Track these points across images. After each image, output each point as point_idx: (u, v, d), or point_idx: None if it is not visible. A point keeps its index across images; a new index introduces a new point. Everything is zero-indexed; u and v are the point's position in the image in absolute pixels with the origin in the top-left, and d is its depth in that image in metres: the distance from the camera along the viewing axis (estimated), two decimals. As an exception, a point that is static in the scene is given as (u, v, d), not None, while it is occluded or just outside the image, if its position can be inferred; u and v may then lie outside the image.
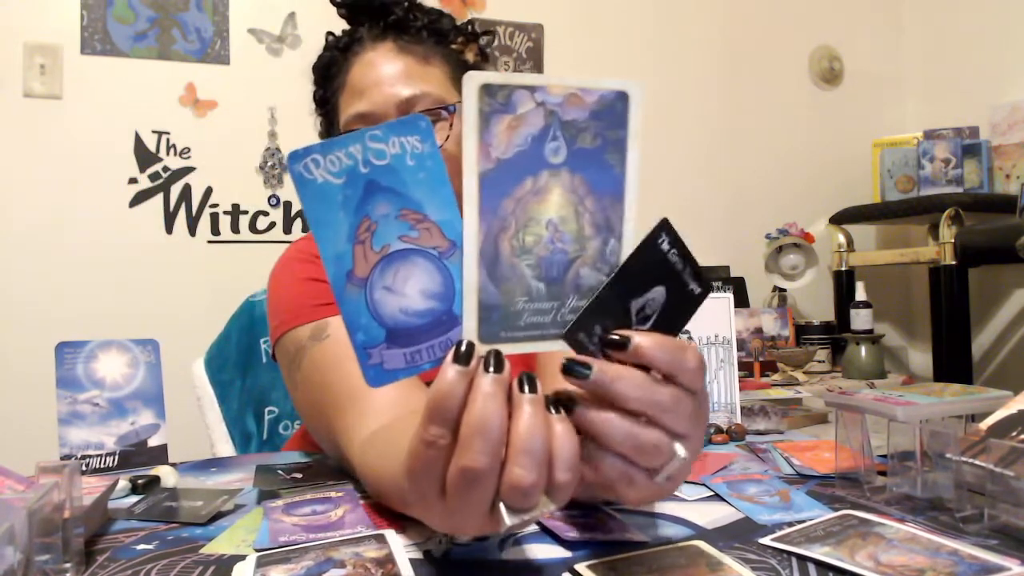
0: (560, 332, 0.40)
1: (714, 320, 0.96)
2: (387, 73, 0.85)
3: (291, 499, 0.65)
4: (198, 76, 2.10)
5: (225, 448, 1.21)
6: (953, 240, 2.09)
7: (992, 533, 0.53)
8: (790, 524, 0.56)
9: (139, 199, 2.06)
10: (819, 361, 2.17)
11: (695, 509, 0.61)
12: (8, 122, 1.94)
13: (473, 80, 0.37)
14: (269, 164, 2.15)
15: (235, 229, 2.13)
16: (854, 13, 2.80)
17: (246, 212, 2.14)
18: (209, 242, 2.11)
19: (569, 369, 0.39)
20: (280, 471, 0.79)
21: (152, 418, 0.85)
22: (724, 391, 0.93)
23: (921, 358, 2.74)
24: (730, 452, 0.82)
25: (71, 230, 1.98)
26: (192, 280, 2.07)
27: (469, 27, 0.95)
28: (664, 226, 0.40)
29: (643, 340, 0.39)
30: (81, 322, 1.94)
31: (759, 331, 1.97)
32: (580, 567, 0.47)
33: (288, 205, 2.18)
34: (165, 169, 2.07)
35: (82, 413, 0.82)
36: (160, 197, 2.07)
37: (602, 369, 0.39)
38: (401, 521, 0.57)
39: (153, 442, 0.85)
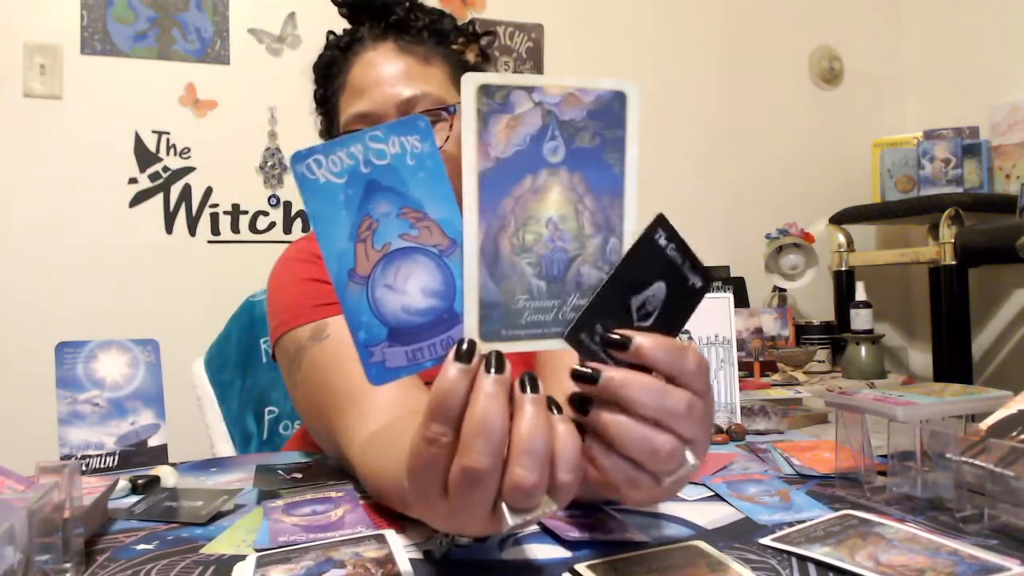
0: (561, 330, 0.40)
1: (714, 320, 0.96)
2: (388, 73, 0.85)
3: (291, 499, 0.65)
4: (198, 76, 2.10)
5: (225, 448, 1.21)
6: (953, 240, 2.09)
7: (992, 533, 0.53)
8: (790, 524, 0.56)
9: (139, 199, 2.06)
10: (819, 361, 2.17)
11: (695, 509, 0.61)
12: (8, 122, 1.94)
13: (471, 81, 0.37)
14: (269, 164, 2.15)
15: (235, 229, 2.13)
16: (854, 13, 2.80)
17: (246, 212, 2.14)
18: (209, 242, 2.11)
19: (578, 374, 0.40)
20: (280, 471, 0.79)
21: (152, 418, 0.85)
22: (724, 391, 0.93)
23: (921, 358, 2.74)
24: (730, 452, 0.82)
25: (71, 230, 1.98)
26: (192, 280, 2.07)
27: (470, 27, 0.95)
28: (660, 222, 0.40)
29: (644, 341, 0.39)
30: (81, 322, 1.94)
31: (759, 331, 1.97)
32: (580, 567, 0.47)
33: (288, 205, 2.18)
34: (165, 169, 2.07)
35: (82, 413, 0.82)
36: (160, 197, 2.07)
37: (610, 375, 0.39)
38: (401, 521, 0.57)
39: (153, 442, 0.85)
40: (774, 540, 0.52)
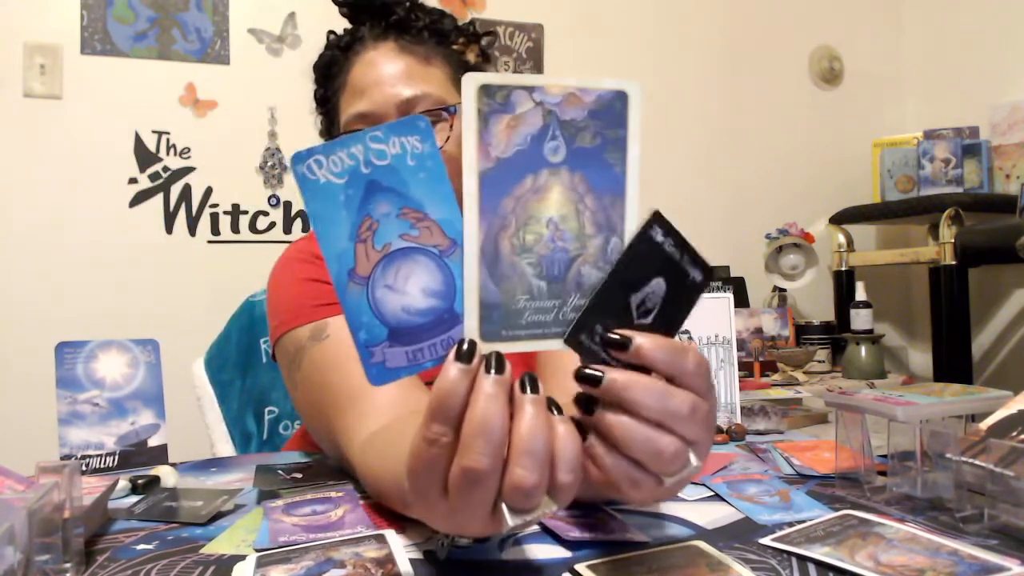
0: (562, 330, 0.40)
1: (714, 320, 0.96)
2: (388, 73, 0.84)
3: (291, 499, 0.65)
4: (198, 76, 2.10)
5: (225, 448, 1.21)
6: (953, 240, 2.09)
7: (992, 533, 0.53)
8: (790, 524, 0.56)
9: (139, 199, 2.06)
10: (819, 361, 2.17)
11: (695, 509, 0.61)
12: (8, 122, 1.94)
13: (472, 80, 0.37)
14: (269, 164, 2.15)
15: (235, 229, 2.13)
16: (854, 13, 2.80)
17: (246, 212, 2.14)
18: (209, 242, 2.11)
19: (582, 376, 0.40)
20: (280, 471, 0.79)
21: (152, 418, 0.85)
22: (724, 391, 0.93)
23: (921, 358, 2.74)
24: (730, 452, 0.82)
25: (71, 230, 1.98)
26: (192, 280, 2.07)
27: (471, 28, 0.95)
28: (656, 218, 0.40)
29: (643, 341, 0.39)
30: (81, 322, 1.94)
31: (759, 331, 1.97)
32: (580, 567, 0.47)
33: (288, 205, 2.18)
34: (165, 169, 2.07)
35: (82, 413, 0.82)
36: (160, 197, 2.07)
37: (613, 377, 0.39)
38: (401, 521, 0.57)
39: (153, 442, 0.85)
40: (774, 540, 0.52)
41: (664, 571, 0.47)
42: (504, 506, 0.37)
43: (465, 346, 0.38)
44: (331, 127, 0.93)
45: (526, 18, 2.40)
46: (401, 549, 0.50)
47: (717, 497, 0.64)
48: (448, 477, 0.38)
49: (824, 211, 2.57)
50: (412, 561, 0.49)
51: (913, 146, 2.37)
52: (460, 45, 0.93)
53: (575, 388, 0.41)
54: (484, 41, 0.96)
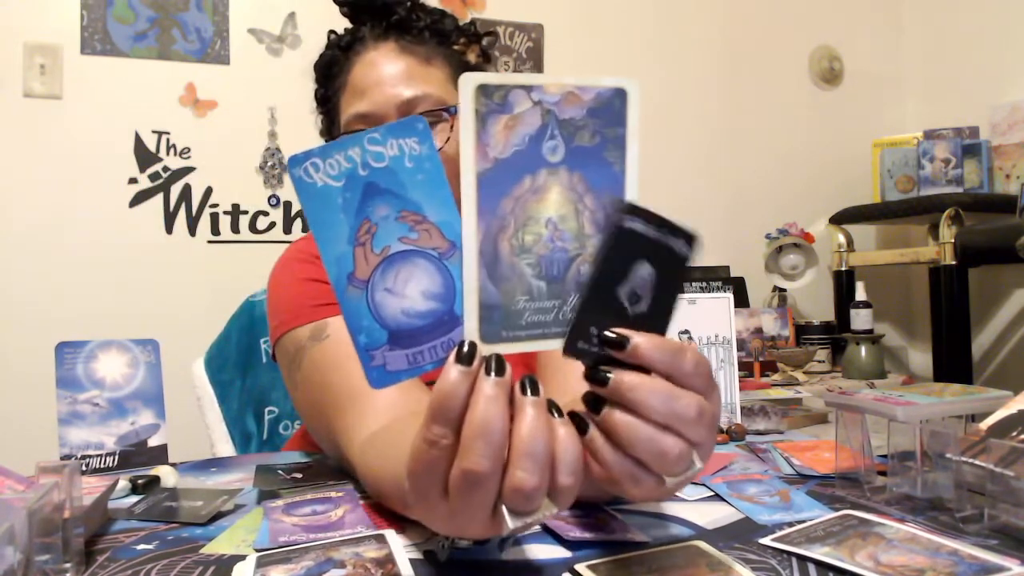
0: (562, 330, 0.40)
1: (714, 320, 0.96)
2: (388, 73, 0.84)
3: (291, 499, 0.65)
4: (198, 76, 2.10)
5: (225, 448, 1.21)
6: (953, 240, 2.09)
7: (992, 533, 0.53)
8: (790, 524, 0.56)
9: (139, 199, 2.06)
10: (819, 361, 2.17)
11: (695, 509, 0.61)
12: (8, 122, 1.94)
13: (469, 81, 0.37)
14: (269, 164, 2.15)
15: (235, 229, 2.13)
16: (854, 13, 2.79)
17: (246, 212, 2.14)
18: (209, 242, 2.11)
19: (591, 376, 0.40)
20: (280, 471, 0.79)
21: (152, 418, 0.85)
22: (724, 391, 0.93)
23: (921, 358, 2.74)
24: (730, 452, 0.82)
25: (71, 230, 1.98)
26: (192, 280, 2.07)
27: (471, 28, 0.95)
28: (624, 209, 0.39)
29: (641, 340, 0.39)
30: (81, 322, 1.94)
31: (759, 331, 1.97)
32: (580, 567, 0.47)
33: (288, 205, 2.18)
34: (165, 169, 2.07)
35: (82, 413, 0.82)
36: (160, 197, 2.07)
37: (619, 378, 0.39)
38: (401, 521, 0.57)
39: (153, 442, 0.85)
40: (774, 540, 0.52)
41: (664, 571, 0.47)
42: (504, 508, 0.37)
43: (465, 348, 0.38)
44: (331, 127, 0.93)
45: (526, 18, 2.40)
46: (401, 549, 0.50)
47: (717, 497, 0.64)
48: (448, 479, 0.38)
49: (824, 211, 2.57)
50: (412, 561, 0.49)
51: (913, 146, 2.37)
52: (461, 45, 0.92)
53: (576, 387, 0.41)
54: (485, 41, 0.96)
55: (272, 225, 2.17)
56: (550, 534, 0.54)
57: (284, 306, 0.84)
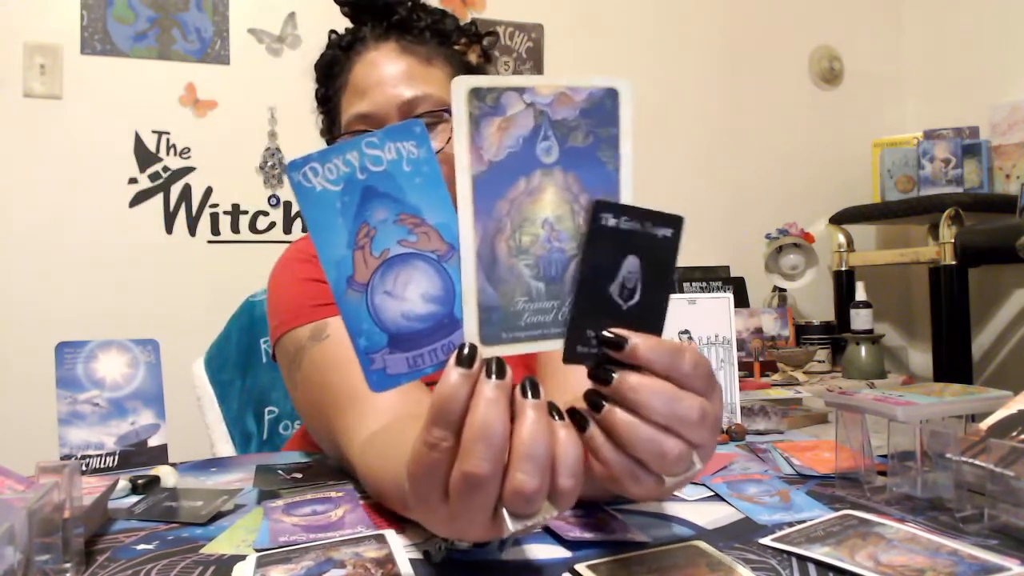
0: (562, 331, 0.40)
1: (714, 320, 0.96)
2: (389, 74, 0.84)
3: (291, 499, 0.65)
4: (198, 76, 2.10)
5: (225, 448, 1.21)
6: (953, 240, 2.09)
7: (992, 533, 0.53)
8: (790, 524, 0.56)
9: (139, 199, 2.06)
10: (819, 361, 2.17)
11: (695, 509, 0.61)
12: (8, 122, 1.94)
13: (461, 84, 0.38)
14: (269, 164, 2.15)
15: (235, 229, 2.13)
16: (854, 13, 2.80)
17: (246, 212, 2.14)
18: (209, 242, 2.11)
19: (595, 374, 0.40)
20: (280, 471, 0.79)
21: (152, 418, 0.85)
22: (724, 391, 0.93)
23: (921, 358, 2.74)
24: (730, 452, 0.82)
25: (71, 230, 1.98)
26: (192, 280, 2.07)
27: (472, 28, 0.95)
28: (599, 206, 0.39)
29: (639, 342, 0.39)
30: (81, 322, 1.94)
31: (759, 331, 1.97)
32: (580, 567, 0.47)
33: (288, 205, 2.18)
34: (165, 169, 2.07)
35: (82, 413, 0.82)
36: (160, 197, 2.07)
37: (622, 378, 0.39)
38: (401, 521, 0.57)
39: (153, 442, 0.85)
40: (774, 540, 0.52)
41: (664, 571, 0.47)
42: (505, 511, 0.37)
43: (466, 351, 0.38)
44: (332, 127, 0.93)
45: (526, 18, 2.40)
46: (401, 549, 0.50)
47: (717, 497, 0.64)
48: (449, 482, 0.38)
49: (824, 211, 2.57)
50: (412, 561, 0.49)
51: (913, 146, 2.37)
52: (462, 46, 0.92)
53: (576, 387, 0.41)
54: (486, 41, 0.96)
55: (272, 225, 2.17)
56: (550, 534, 0.54)
57: (284, 306, 0.84)
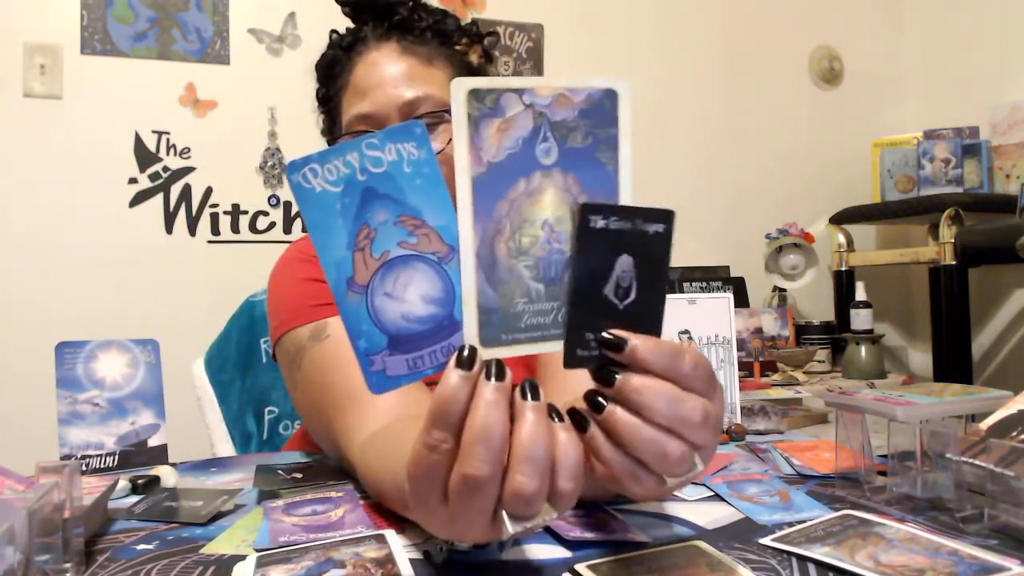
0: (562, 331, 0.40)
1: (714, 320, 0.96)
2: (390, 74, 0.84)
3: (291, 499, 0.65)
4: (198, 76, 2.10)
5: (225, 448, 1.21)
6: (953, 240, 2.09)
7: (992, 533, 0.53)
8: (790, 524, 0.56)
9: (139, 199, 2.06)
10: (819, 361, 2.17)
11: (695, 509, 0.61)
12: (8, 122, 1.94)
13: (461, 85, 0.38)
14: (269, 164, 2.15)
15: (235, 229, 2.13)
16: (854, 13, 2.80)
17: (246, 212, 2.14)
18: (209, 242, 2.11)
19: (598, 375, 0.40)
20: (280, 471, 0.79)
21: (152, 418, 0.85)
22: (724, 391, 0.93)
23: (921, 358, 2.74)
24: (730, 452, 0.82)
25: (71, 230, 1.98)
26: (192, 280, 2.07)
27: (473, 28, 0.94)
28: (585, 208, 0.39)
29: (639, 343, 0.39)
30: (81, 322, 1.94)
31: (759, 331, 1.97)
32: (580, 567, 0.47)
33: (288, 205, 2.18)
34: (165, 169, 2.07)
35: (82, 413, 0.82)
36: (160, 197, 2.07)
37: (625, 379, 0.39)
38: (401, 521, 0.57)
39: (153, 442, 0.85)
40: (774, 540, 0.52)
41: (664, 571, 0.47)
42: (504, 513, 0.37)
43: (466, 352, 0.38)
44: (333, 127, 0.93)
45: (526, 18, 2.40)
46: (401, 549, 0.50)
47: (717, 497, 0.64)
48: (448, 484, 0.38)
49: (824, 211, 2.57)
50: (412, 561, 0.49)
51: (913, 146, 2.37)
52: (463, 46, 0.92)
53: (576, 388, 0.41)
54: (487, 42, 0.96)
55: (272, 225, 2.17)
56: (550, 534, 0.54)
57: (284, 306, 0.84)
